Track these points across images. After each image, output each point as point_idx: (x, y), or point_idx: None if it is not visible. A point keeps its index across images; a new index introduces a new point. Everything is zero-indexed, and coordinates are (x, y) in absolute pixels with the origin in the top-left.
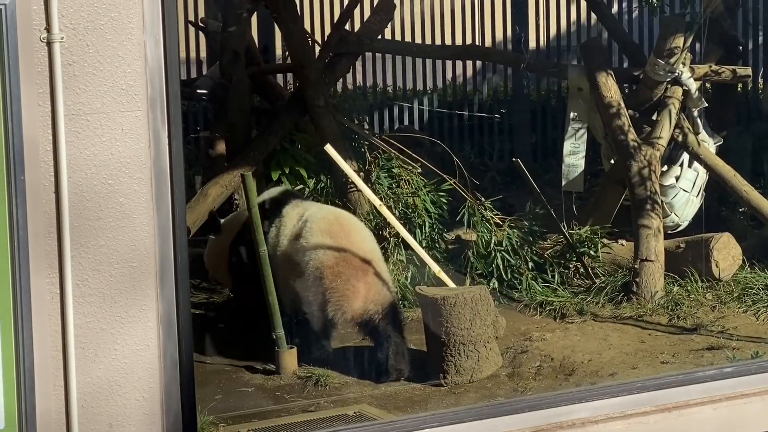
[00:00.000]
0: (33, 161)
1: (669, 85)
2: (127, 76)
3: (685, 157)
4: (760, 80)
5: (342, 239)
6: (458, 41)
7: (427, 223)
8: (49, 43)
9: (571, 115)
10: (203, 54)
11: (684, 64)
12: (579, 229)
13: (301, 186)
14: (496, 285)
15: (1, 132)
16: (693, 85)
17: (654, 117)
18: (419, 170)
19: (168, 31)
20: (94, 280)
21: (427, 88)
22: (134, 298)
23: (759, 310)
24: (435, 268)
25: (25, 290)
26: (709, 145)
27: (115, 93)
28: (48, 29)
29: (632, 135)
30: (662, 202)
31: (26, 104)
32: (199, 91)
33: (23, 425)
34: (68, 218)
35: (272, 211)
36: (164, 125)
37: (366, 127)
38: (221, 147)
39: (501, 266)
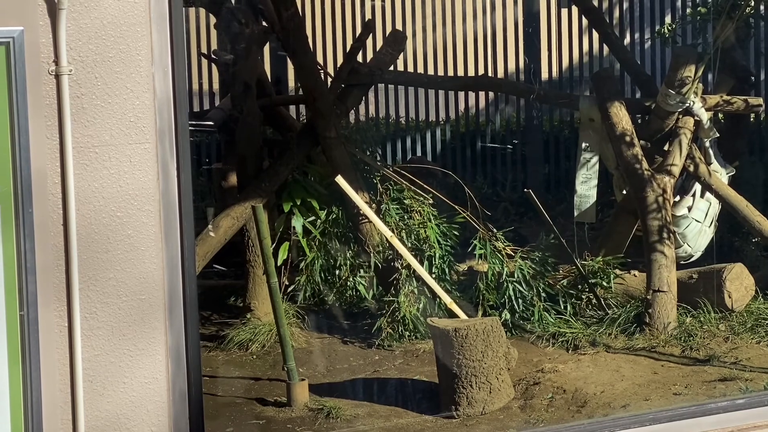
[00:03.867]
0: (41, 194)
1: (680, 116)
2: (136, 109)
3: (698, 187)
4: None
5: None
6: (470, 72)
7: (438, 255)
8: (58, 76)
9: (583, 145)
10: (215, 86)
11: (696, 94)
12: (591, 259)
13: (313, 217)
14: (508, 316)
15: (9, 164)
16: (704, 116)
17: (666, 147)
18: (431, 201)
19: (176, 63)
20: (103, 313)
21: (439, 119)
22: (143, 330)
23: None
24: (446, 299)
25: (33, 323)
26: (721, 175)
27: (124, 125)
28: (56, 62)
29: (644, 165)
30: (675, 232)
31: (34, 136)
32: (210, 122)
33: None
34: (76, 251)
35: None
36: (173, 157)
37: (378, 158)
38: (233, 179)
39: (513, 297)
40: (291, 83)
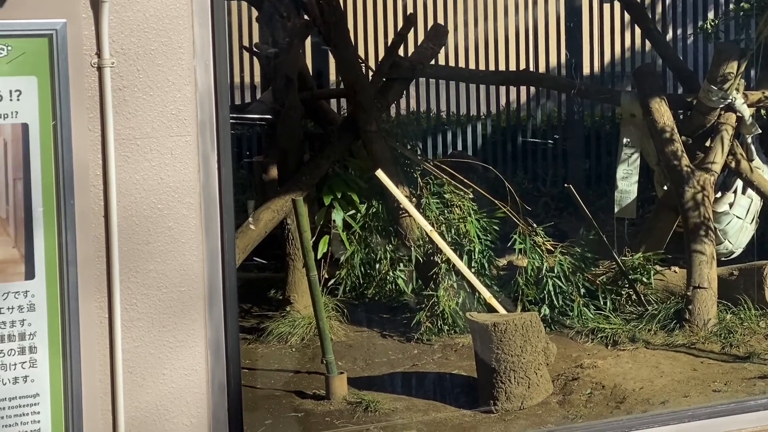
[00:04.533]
0: (83, 185)
1: (722, 112)
2: (177, 101)
3: (739, 183)
4: None
5: None
6: (511, 67)
7: (477, 249)
8: (100, 68)
9: (624, 141)
10: (257, 79)
11: (738, 90)
12: (631, 255)
13: (353, 211)
14: (548, 311)
15: (51, 156)
16: (746, 112)
17: (707, 143)
18: (471, 196)
19: (218, 57)
20: (143, 305)
21: (480, 114)
22: (183, 322)
23: None
24: (486, 294)
25: (74, 314)
26: (763, 171)
27: (165, 118)
28: (99, 54)
29: (685, 161)
30: (715, 228)
31: (76, 129)
32: (251, 116)
33: None
34: (117, 242)
35: None
36: (214, 150)
37: (418, 152)
38: (274, 172)
39: (552, 293)
40: (332, 77)
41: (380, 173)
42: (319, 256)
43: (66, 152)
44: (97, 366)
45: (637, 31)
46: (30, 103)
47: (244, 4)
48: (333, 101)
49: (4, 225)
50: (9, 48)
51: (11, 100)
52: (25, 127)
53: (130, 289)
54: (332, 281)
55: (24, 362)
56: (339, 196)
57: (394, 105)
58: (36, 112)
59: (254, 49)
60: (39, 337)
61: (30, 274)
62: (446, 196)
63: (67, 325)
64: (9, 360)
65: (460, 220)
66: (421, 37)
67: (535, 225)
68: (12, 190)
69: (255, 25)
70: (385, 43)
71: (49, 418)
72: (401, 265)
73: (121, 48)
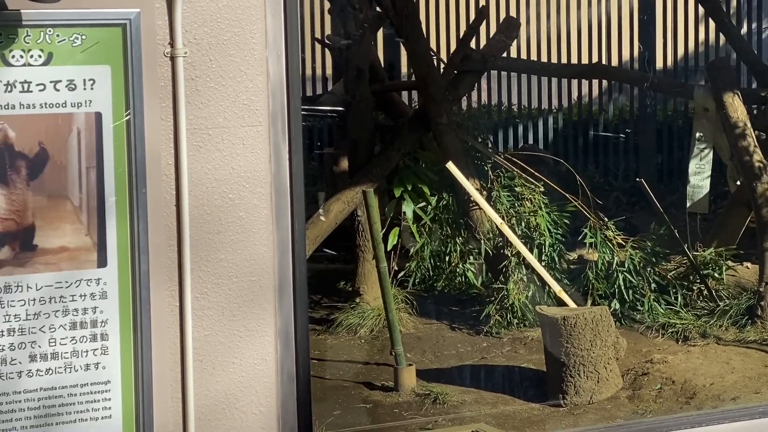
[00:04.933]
0: (155, 174)
1: None
2: (249, 91)
3: None
4: None
5: None
6: (584, 60)
7: (548, 243)
8: (173, 58)
9: (697, 135)
10: (328, 71)
11: None
12: (703, 250)
13: (424, 203)
14: (618, 306)
15: (123, 145)
16: None
17: None
18: (542, 189)
19: (290, 47)
20: (213, 294)
21: (552, 107)
22: (253, 312)
23: None
24: (556, 287)
25: (145, 302)
26: None
27: (237, 108)
28: (172, 44)
29: (758, 156)
30: None
31: (149, 118)
32: (322, 107)
33: None
34: (188, 231)
35: None
36: (285, 140)
37: (489, 145)
38: (344, 163)
39: (623, 287)
40: (403, 69)
41: (451, 165)
42: (389, 248)
43: (139, 141)
44: (168, 354)
45: (711, 24)
46: (103, 92)
47: None
48: (404, 93)
49: (77, 213)
50: (83, 37)
51: (85, 89)
52: (98, 116)
53: (200, 278)
54: (402, 273)
55: (95, 349)
56: (409, 188)
57: (465, 97)
58: (109, 101)
59: (326, 41)
60: (110, 325)
61: (102, 262)
62: (517, 189)
63: (138, 313)
64: (81, 347)
65: (531, 214)
66: (493, 30)
67: (605, 219)
68: (85, 179)
69: (327, 17)
70: (457, 35)
71: (119, 405)
72: (471, 257)
73: (194, 38)
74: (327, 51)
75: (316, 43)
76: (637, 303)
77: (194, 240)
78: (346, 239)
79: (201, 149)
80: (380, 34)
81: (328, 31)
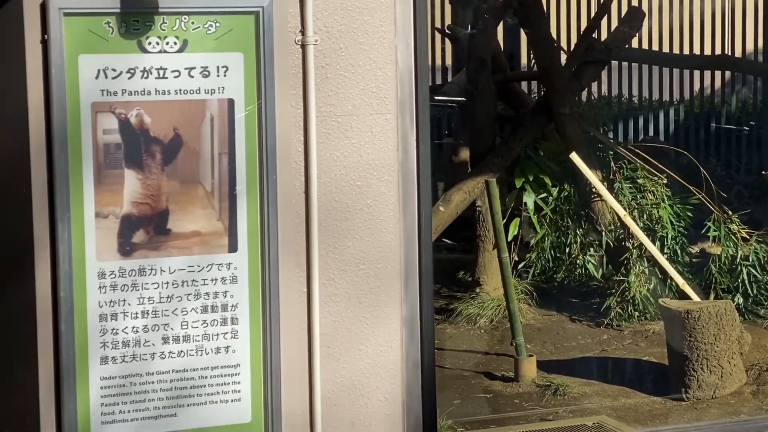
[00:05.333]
0: (285, 161)
1: None
2: (378, 79)
3: None
4: None
5: None
6: (707, 51)
7: (670, 235)
8: (304, 46)
9: None
10: (449, 61)
11: None
12: None
13: (545, 194)
14: (741, 300)
15: (255, 132)
16: None
17: None
18: (664, 181)
19: (419, 36)
20: (341, 281)
21: (674, 99)
22: (379, 299)
23: None
24: (679, 280)
25: (274, 288)
26: None
27: (366, 96)
28: (303, 32)
29: None
30: None
31: (280, 105)
32: (444, 97)
33: (269, 421)
34: (317, 218)
35: None
36: (413, 129)
37: (611, 136)
38: (464, 153)
39: (747, 281)
40: (523, 59)
41: (574, 156)
42: (509, 239)
43: (269, 128)
44: (295, 339)
45: None
46: (236, 79)
47: None
48: (524, 83)
49: (210, 198)
50: (217, 24)
51: (218, 75)
52: (230, 103)
53: (328, 264)
54: (522, 264)
55: (226, 333)
56: (530, 179)
57: (587, 88)
58: (241, 87)
59: (446, 31)
60: (240, 309)
61: (233, 247)
62: (639, 181)
63: (267, 298)
64: (212, 330)
65: (653, 206)
66: (616, 21)
67: (729, 212)
68: (217, 165)
69: (447, 7)
70: (580, 25)
71: (248, 388)
72: (591, 249)
73: (324, 26)
74: (447, 41)
75: (437, 33)
76: (762, 298)
77: (322, 226)
78: (466, 229)
79: (330, 136)
80: (501, 23)
81: (447, 20)
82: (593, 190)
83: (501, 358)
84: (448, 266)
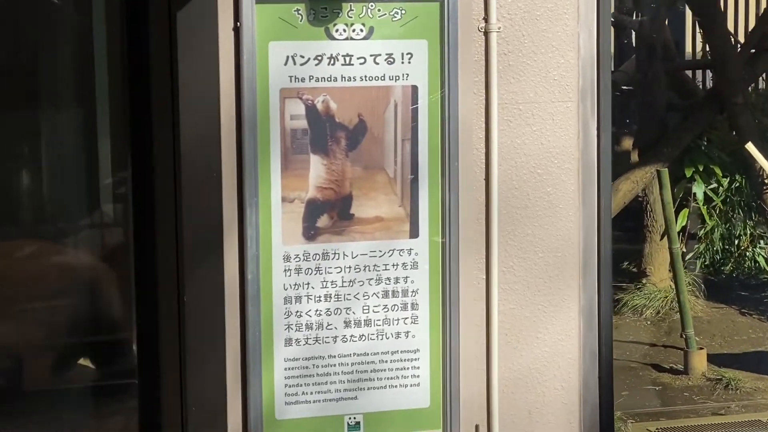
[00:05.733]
0: (466, 148)
1: None
2: (560, 67)
3: None
4: None
5: None
6: None
7: None
8: (486, 33)
9: None
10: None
11: None
12: None
13: (715, 185)
14: None
15: (438, 118)
16: None
17: None
18: None
19: (601, 22)
20: (519, 268)
21: None
22: (557, 287)
23: None
24: None
25: (454, 274)
26: None
27: (548, 83)
28: (486, 19)
29: None
30: None
31: (462, 92)
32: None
33: (447, 406)
34: (497, 205)
35: None
36: (593, 117)
37: None
38: (626, 142)
39: None
40: (687, 47)
41: (750, 146)
42: (677, 229)
43: (452, 115)
44: (474, 326)
45: None
46: (420, 66)
47: None
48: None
49: (392, 184)
50: (403, 12)
51: (403, 62)
52: (414, 89)
53: (507, 251)
54: (689, 255)
55: (406, 318)
56: (701, 169)
57: (761, 78)
58: (425, 75)
59: (611, 19)
60: (421, 295)
61: (414, 233)
62: None
63: (447, 284)
64: (392, 315)
65: None
66: None
67: None
68: (400, 151)
69: None
70: (756, 14)
71: (427, 373)
72: (762, 241)
73: (507, 13)
74: (613, 29)
75: None
76: None
77: (501, 214)
78: (630, 219)
79: (511, 124)
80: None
81: (613, 9)
82: (766, 181)
83: (668, 350)
84: (613, 256)
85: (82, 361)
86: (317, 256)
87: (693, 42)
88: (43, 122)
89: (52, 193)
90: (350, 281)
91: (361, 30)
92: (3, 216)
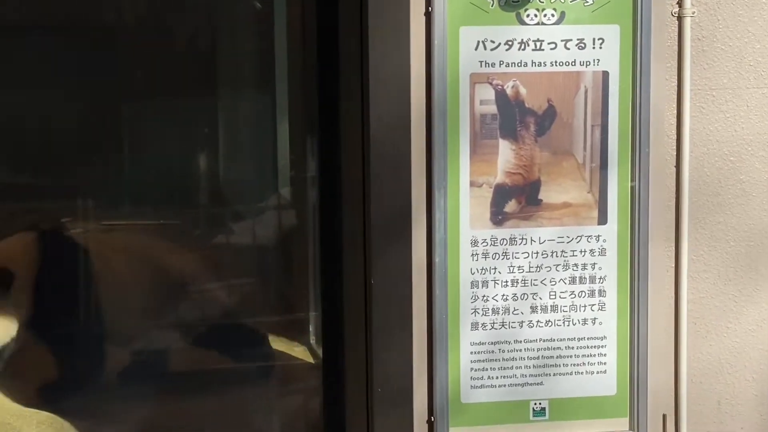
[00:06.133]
0: (657, 135)
1: None
2: (756, 53)
3: None
4: None
5: None
6: None
7: None
8: (680, 18)
9: None
10: None
11: None
12: None
13: None
14: None
15: (628, 105)
16: None
17: None
18: None
19: None
20: (709, 257)
21: None
22: (749, 277)
23: None
24: None
25: (643, 261)
26: None
27: (742, 69)
28: (680, 4)
29: None
30: None
31: (655, 79)
32: None
33: (634, 395)
34: (687, 193)
35: None
36: None
37: None
38: None
39: None
40: None
41: None
42: None
43: (644, 101)
44: (662, 314)
45: None
46: (611, 52)
47: None
48: None
49: (581, 170)
50: None
51: (594, 48)
52: (605, 75)
53: (696, 240)
54: None
55: (593, 305)
56: None
57: None
58: (616, 60)
59: None
60: (608, 282)
61: (602, 220)
62: None
63: (636, 272)
64: (579, 301)
65: None
66: None
67: None
68: (590, 137)
69: None
70: None
71: (614, 360)
72: None
73: None
74: None
75: None
76: None
77: (692, 201)
78: None
79: (703, 110)
80: None
81: None
82: None
83: None
84: None
85: (265, 342)
86: (504, 241)
87: None
88: (227, 108)
89: (242, 177)
90: (537, 267)
91: (553, 15)
92: (203, 199)
